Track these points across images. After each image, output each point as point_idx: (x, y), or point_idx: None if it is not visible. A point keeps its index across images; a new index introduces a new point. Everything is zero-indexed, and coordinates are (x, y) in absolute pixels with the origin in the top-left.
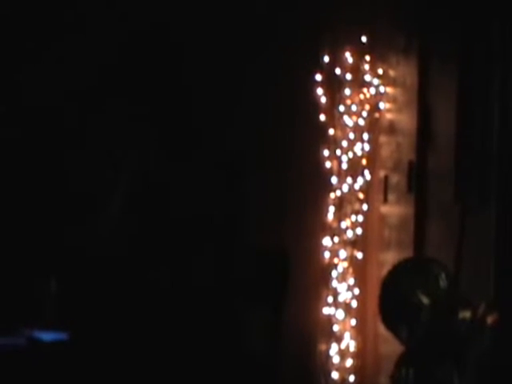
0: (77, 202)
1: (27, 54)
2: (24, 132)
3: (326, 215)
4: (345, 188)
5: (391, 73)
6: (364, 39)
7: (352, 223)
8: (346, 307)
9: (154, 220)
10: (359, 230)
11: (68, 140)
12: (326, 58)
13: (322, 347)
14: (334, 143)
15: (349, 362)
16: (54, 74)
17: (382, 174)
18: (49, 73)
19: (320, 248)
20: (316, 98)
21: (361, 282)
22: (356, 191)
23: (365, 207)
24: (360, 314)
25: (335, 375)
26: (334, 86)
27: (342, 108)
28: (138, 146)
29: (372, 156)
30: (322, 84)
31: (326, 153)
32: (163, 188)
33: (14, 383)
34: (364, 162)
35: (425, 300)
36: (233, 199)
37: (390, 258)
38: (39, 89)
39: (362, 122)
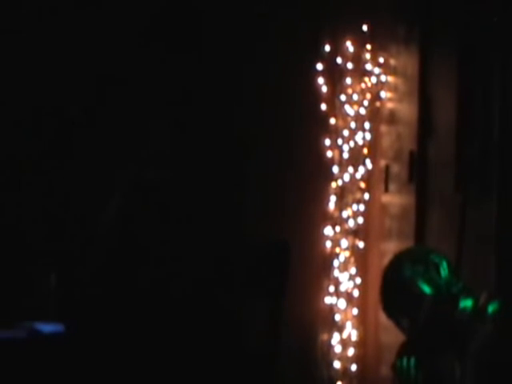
0: (78, 199)
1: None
2: (26, 129)
3: (328, 205)
4: (346, 177)
5: (392, 62)
6: (365, 28)
7: (353, 212)
8: (348, 297)
9: (153, 214)
10: (360, 220)
11: (71, 136)
12: (327, 48)
13: (324, 337)
14: (335, 133)
15: (351, 352)
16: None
17: (382, 163)
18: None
19: (321, 238)
20: (317, 88)
21: (362, 271)
22: (357, 180)
23: (366, 196)
24: (362, 303)
25: (337, 365)
26: (334, 75)
27: (343, 97)
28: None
29: (373, 145)
30: (322, 73)
31: (327, 142)
32: (162, 183)
33: (15, 374)
34: (365, 151)
35: (426, 289)
36: (233, 190)
37: (391, 248)
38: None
39: (363, 111)
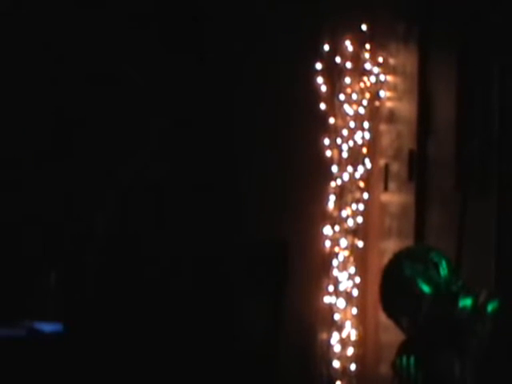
0: (78, 199)
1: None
2: (26, 129)
3: (327, 204)
4: (345, 177)
5: (391, 61)
6: (364, 27)
7: (353, 212)
8: (347, 296)
9: (152, 214)
10: (360, 219)
11: (70, 135)
12: (326, 47)
13: (323, 336)
14: (334, 132)
15: (350, 351)
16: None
17: (382, 162)
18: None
19: (321, 237)
20: (316, 87)
21: (362, 270)
22: (356, 180)
23: (365, 196)
24: (361, 302)
25: (336, 364)
26: (334, 74)
27: (342, 97)
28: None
29: (372, 144)
30: (322, 73)
31: (326, 142)
32: (161, 182)
33: (15, 372)
34: (364, 150)
35: (426, 288)
36: (233, 189)
37: (390, 247)
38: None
39: (362, 110)
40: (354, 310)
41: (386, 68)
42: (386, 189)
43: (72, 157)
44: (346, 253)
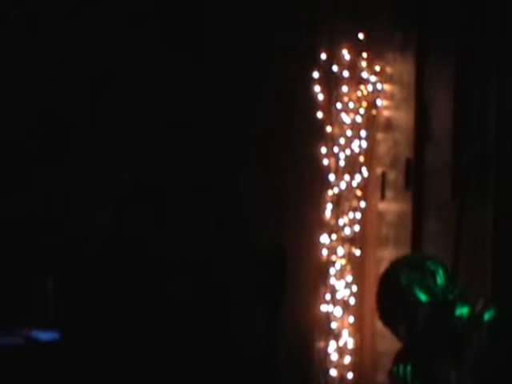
0: (76, 202)
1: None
2: (25, 130)
3: (324, 212)
4: (342, 185)
5: (388, 70)
6: (361, 36)
7: (350, 220)
8: (344, 304)
9: (151, 216)
10: (357, 227)
11: (70, 134)
12: (323, 55)
13: (320, 344)
14: (331, 140)
15: (347, 359)
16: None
17: (379, 171)
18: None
19: (318, 245)
20: (313, 96)
21: (359, 279)
22: (353, 188)
23: (362, 204)
24: (358, 311)
25: (333, 372)
26: (331, 83)
27: (339, 105)
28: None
29: (369, 153)
30: (319, 81)
31: (323, 150)
32: (159, 184)
33: (12, 382)
34: (361, 159)
35: (422, 297)
36: (229, 196)
37: (387, 255)
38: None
39: (359, 119)
40: (351, 319)
41: (383, 77)
42: (382, 197)
43: (72, 158)
44: (343, 261)
